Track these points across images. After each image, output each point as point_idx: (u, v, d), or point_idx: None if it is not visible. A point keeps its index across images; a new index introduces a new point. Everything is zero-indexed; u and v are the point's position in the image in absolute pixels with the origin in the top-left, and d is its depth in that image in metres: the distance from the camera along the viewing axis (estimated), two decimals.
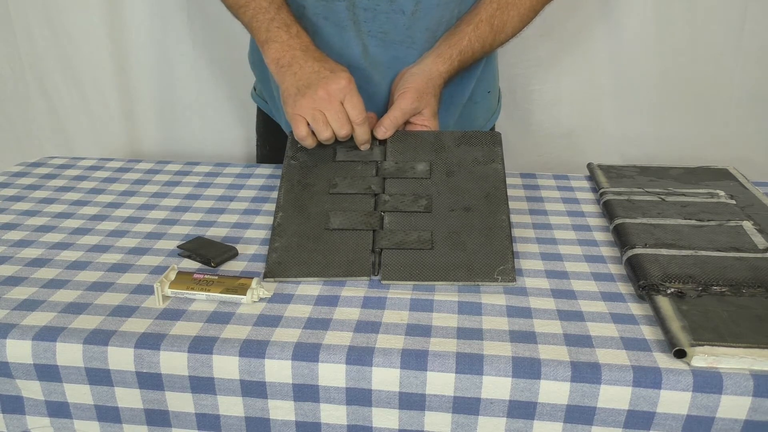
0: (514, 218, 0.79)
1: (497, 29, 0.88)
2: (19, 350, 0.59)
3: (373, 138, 0.84)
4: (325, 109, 0.78)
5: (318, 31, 0.89)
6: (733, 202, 0.79)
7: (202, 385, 0.58)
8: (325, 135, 0.79)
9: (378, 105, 0.91)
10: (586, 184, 0.91)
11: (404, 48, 0.88)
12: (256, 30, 0.85)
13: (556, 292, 0.65)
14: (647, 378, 0.53)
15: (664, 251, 0.68)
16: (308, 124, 0.79)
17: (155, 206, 0.85)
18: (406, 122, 0.86)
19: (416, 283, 0.67)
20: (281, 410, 0.58)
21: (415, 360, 0.56)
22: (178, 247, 0.73)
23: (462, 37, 0.87)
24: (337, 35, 0.88)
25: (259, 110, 1.11)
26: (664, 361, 0.55)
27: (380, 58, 0.89)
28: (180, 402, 0.59)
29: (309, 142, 0.80)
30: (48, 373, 0.59)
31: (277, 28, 0.83)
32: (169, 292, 0.64)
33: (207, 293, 0.63)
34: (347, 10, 0.86)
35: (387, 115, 0.83)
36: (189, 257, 0.72)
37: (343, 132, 0.79)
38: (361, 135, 0.81)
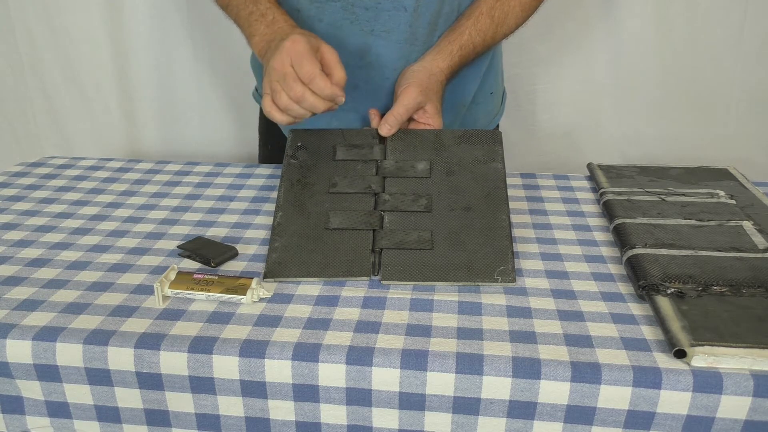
0: (514, 218, 0.79)
1: (498, 21, 0.88)
2: (19, 350, 0.59)
3: (374, 136, 0.84)
4: (277, 78, 0.76)
5: (313, 33, 0.88)
6: (733, 202, 0.79)
7: (202, 385, 0.58)
8: (281, 102, 0.76)
9: (378, 103, 0.91)
10: (586, 184, 0.91)
11: (408, 45, 0.88)
12: (241, 27, 0.86)
13: (556, 292, 0.65)
14: (647, 378, 0.53)
15: (664, 251, 0.68)
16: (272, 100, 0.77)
17: (155, 206, 0.85)
18: (410, 119, 0.86)
19: (416, 283, 0.67)
20: (281, 410, 0.58)
21: (415, 360, 0.56)
22: (178, 247, 0.73)
23: (462, 32, 0.87)
24: (333, 36, 0.88)
25: (261, 110, 1.11)
26: (664, 361, 0.55)
27: (384, 57, 0.89)
28: (180, 402, 0.59)
29: (274, 115, 0.77)
30: (48, 373, 0.59)
31: (255, 21, 0.84)
32: (169, 292, 0.64)
33: (207, 293, 0.63)
34: (343, 10, 0.85)
35: (390, 112, 0.83)
36: (189, 257, 0.72)
37: (292, 93, 0.75)
38: (320, 90, 0.75)
